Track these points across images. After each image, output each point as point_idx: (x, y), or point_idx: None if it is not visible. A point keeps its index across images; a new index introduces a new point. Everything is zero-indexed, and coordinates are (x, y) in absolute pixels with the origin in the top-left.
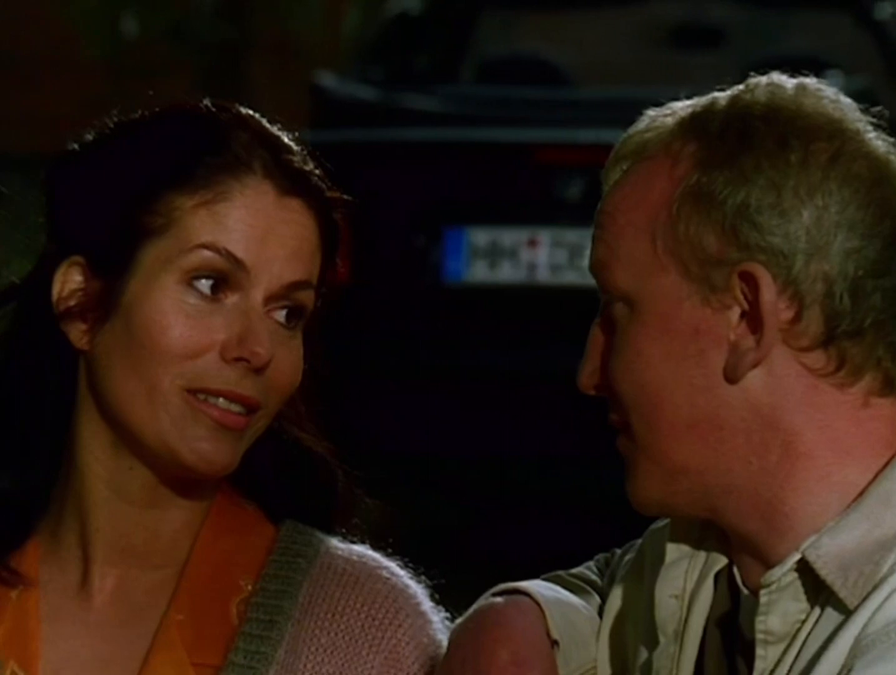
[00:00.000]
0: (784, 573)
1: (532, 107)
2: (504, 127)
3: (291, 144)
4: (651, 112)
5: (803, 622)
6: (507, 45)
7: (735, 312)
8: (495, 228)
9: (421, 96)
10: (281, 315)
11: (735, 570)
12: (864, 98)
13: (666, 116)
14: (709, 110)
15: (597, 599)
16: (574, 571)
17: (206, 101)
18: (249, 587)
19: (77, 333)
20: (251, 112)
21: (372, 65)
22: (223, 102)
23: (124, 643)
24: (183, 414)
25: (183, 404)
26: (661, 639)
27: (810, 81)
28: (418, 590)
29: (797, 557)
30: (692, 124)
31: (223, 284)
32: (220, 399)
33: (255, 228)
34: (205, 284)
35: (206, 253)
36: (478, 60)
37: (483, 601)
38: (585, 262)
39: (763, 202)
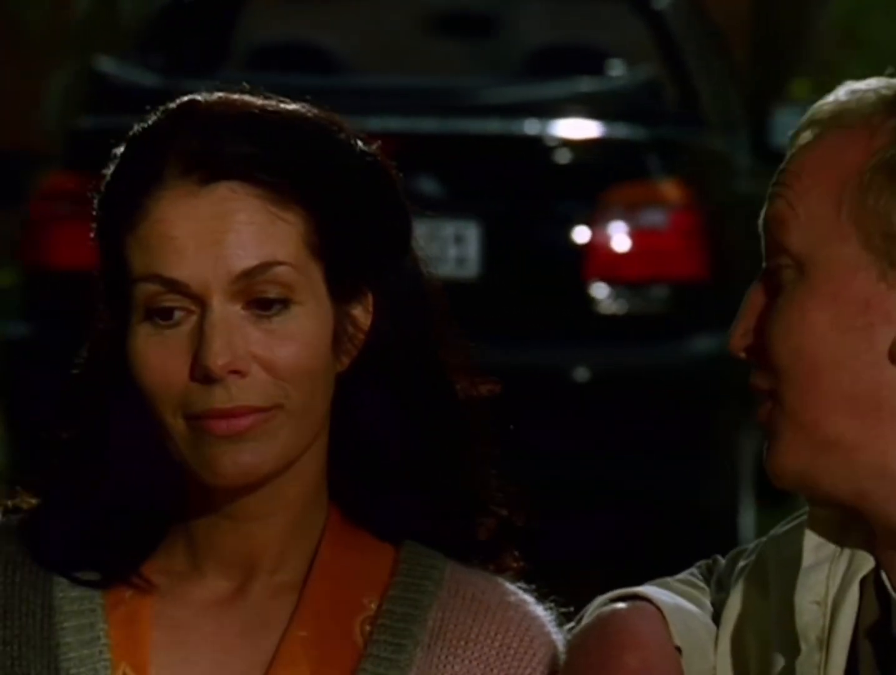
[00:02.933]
0: None
1: (313, 94)
2: None
3: (235, 123)
4: (852, 85)
5: None
6: (280, 32)
7: None
8: None
9: (201, 83)
10: (257, 305)
11: (883, 575)
12: (650, 89)
13: (866, 90)
14: None
15: (708, 606)
16: (680, 577)
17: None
18: (373, 607)
19: None
20: (191, 101)
21: (151, 51)
22: (167, 107)
23: (241, 655)
24: (192, 439)
25: (189, 430)
26: (803, 647)
27: None
28: (546, 618)
29: None
30: None
31: (184, 303)
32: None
33: (176, 239)
34: (162, 313)
35: (144, 286)
36: (253, 47)
37: (602, 606)
38: None
39: None
